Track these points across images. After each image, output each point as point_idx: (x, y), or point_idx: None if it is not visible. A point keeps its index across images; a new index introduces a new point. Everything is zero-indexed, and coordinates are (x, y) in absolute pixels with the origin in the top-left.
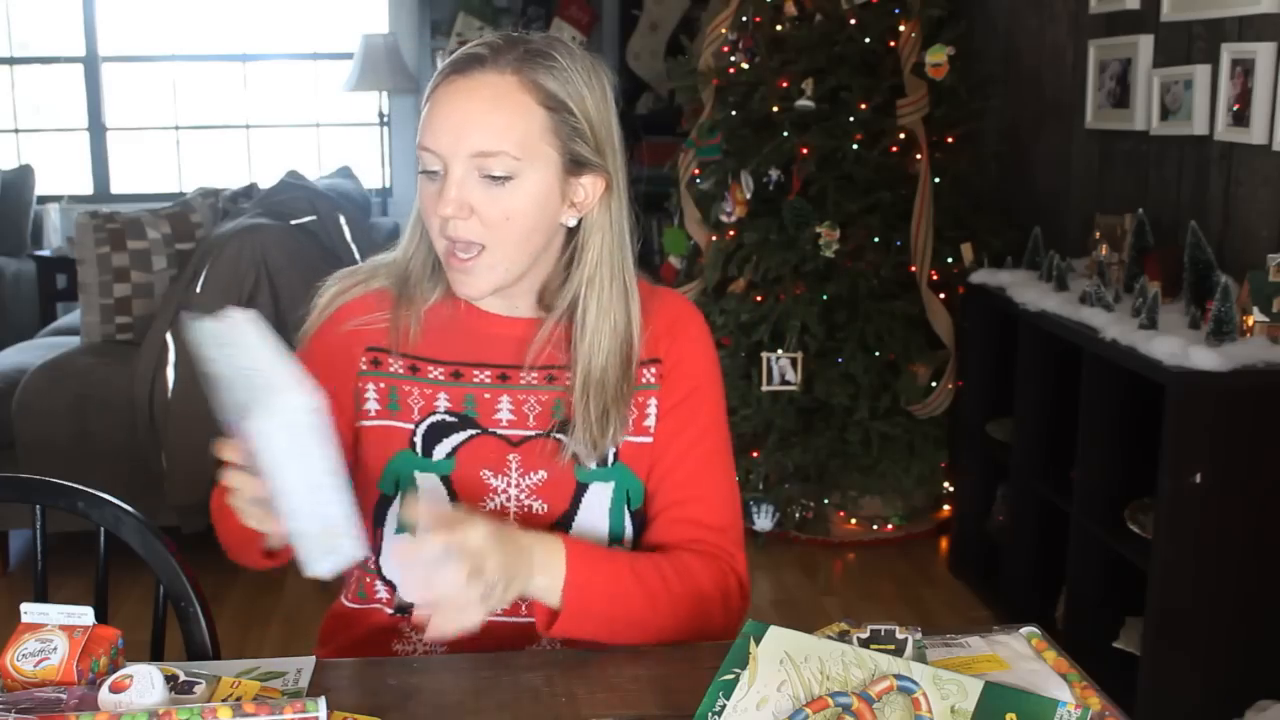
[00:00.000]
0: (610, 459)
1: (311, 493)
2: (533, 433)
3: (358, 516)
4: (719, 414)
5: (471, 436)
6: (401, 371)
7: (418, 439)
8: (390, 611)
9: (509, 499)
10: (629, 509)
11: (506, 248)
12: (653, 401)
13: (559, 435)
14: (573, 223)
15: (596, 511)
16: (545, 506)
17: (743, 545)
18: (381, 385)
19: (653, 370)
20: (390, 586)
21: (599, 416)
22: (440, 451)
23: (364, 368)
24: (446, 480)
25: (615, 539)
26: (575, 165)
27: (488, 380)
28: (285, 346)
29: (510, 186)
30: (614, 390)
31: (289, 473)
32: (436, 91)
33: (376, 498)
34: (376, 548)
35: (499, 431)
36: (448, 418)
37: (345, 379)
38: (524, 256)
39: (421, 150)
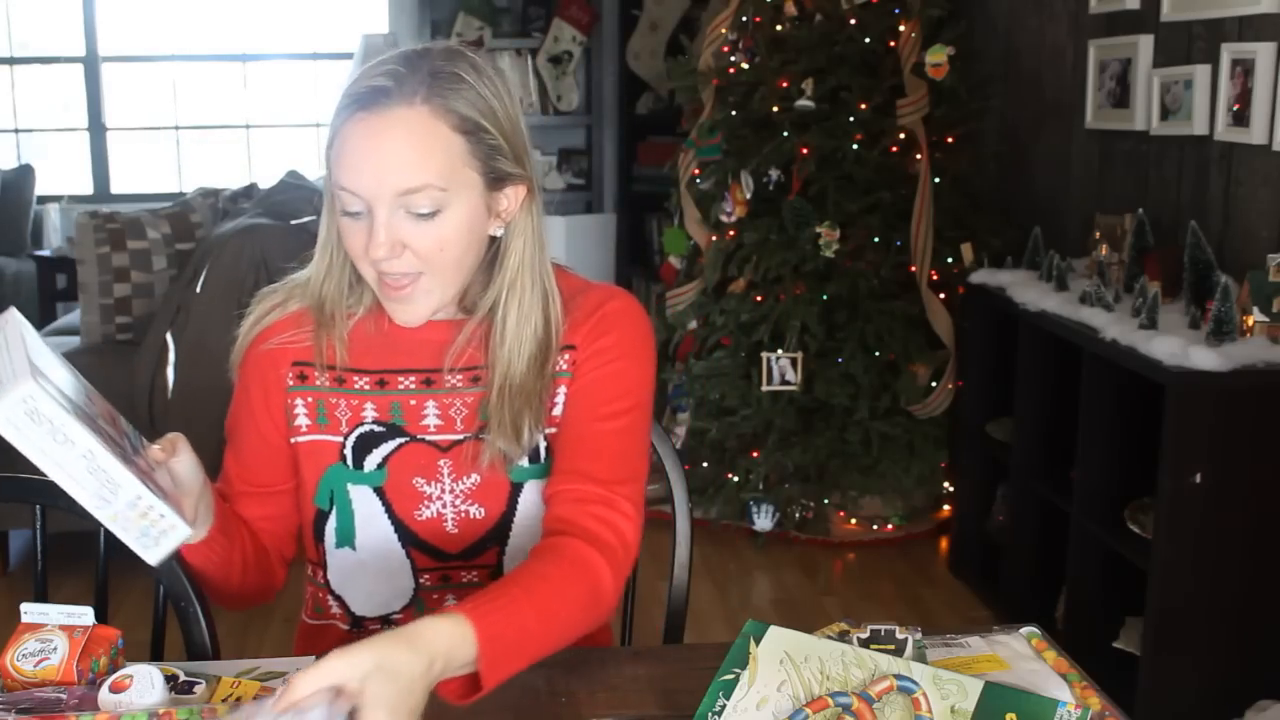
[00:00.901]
0: (542, 455)
1: (88, 481)
2: (460, 436)
3: (161, 497)
4: (635, 388)
5: (401, 445)
6: (327, 384)
7: (348, 451)
8: (345, 627)
9: (445, 505)
10: None
11: (444, 273)
12: (562, 390)
13: (484, 436)
14: (500, 232)
15: (534, 509)
16: (483, 511)
17: (636, 502)
18: (309, 400)
19: (566, 357)
20: (341, 602)
21: (514, 418)
22: (371, 462)
23: (291, 383)
24: (380, 491)
25: None
26: (497, 181)
27: (412, 386)
28: (37, 341)
29: (439, 218)
30: (529, 393)
31: (47, 466)
32: (345, 130)
33: (314, 513)
34: (321, 563)
35: (427, 438)
36: (375, 427)
37: (277, 395)
38: (460, 276)
39: (339, 190)
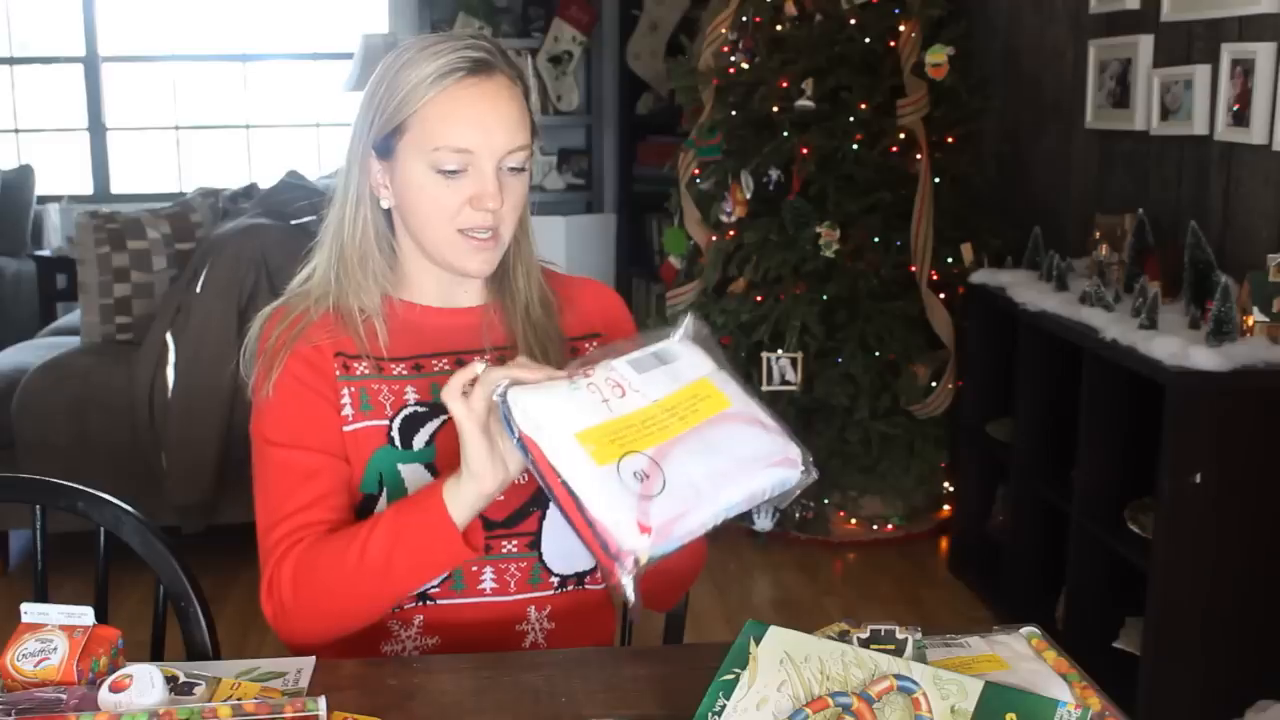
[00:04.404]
0: None
1: None
2: None
3: None
4: None
5: (445, 421)
6: (368, 372)
7: (395, 433)
8: None
9: None
10: None
11: (513, 225)
12: None
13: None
14: None
15: None
16: (525, 476)
17: None
18: (353, 389)
19: (594, 344)
20: None
21: (542, 352)
22: (419, 441)
23: (339, 372)
24: (431, 467)
25: None
26: (531, 142)
27: (447, 367)
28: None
29: (524, 174)
30: (544, 326)
31: None
32: (453, 93)
33: (360, 499)
34: None
35: None
36: (419, 408)
37: (330, 383)
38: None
39: (452, 151)
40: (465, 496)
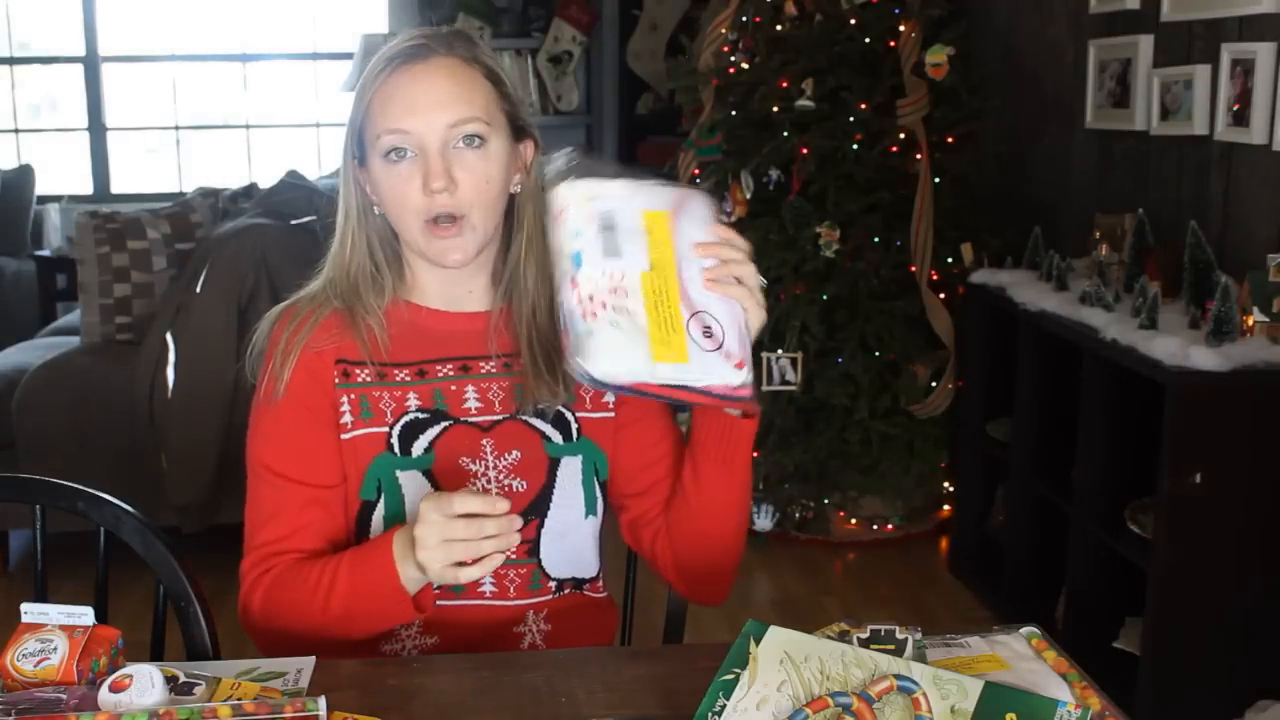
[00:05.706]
0: (575, 434)
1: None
2: (501, 416)
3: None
4: None
5: (445, 428)
6: (369, 379)
7: (394, 439)
8: None
9: (489, 480)
10: (598, 479)
11: (483, 211)
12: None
13: (525, 417)
14: (518, 189)
15: (571, 484)
16: (524, 484)
17: None
18: (353, 396)
19: None
20: None
21: (546, 363)
22: (418, 448)
23: (337, 380)
24: (428, 473)
25: (589, 508)
26: (517, 131)
27: (451, 373)
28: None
29: (484, 151)
30: (548, 334)
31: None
32: (391, 81)
33: (358, 506)
34: None
35: (470, 419)
36: (420, 415)
37: (328, 395)
38: (494, 220)
39: (389, 134)
40: (413, 574)
